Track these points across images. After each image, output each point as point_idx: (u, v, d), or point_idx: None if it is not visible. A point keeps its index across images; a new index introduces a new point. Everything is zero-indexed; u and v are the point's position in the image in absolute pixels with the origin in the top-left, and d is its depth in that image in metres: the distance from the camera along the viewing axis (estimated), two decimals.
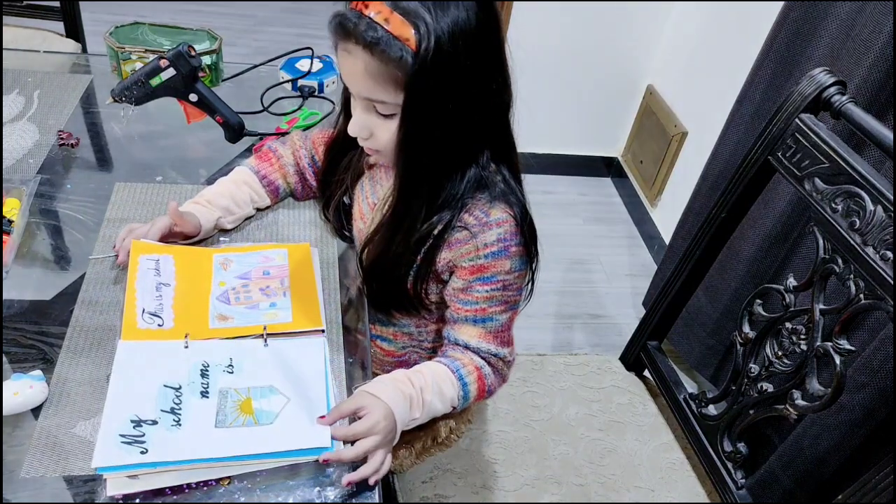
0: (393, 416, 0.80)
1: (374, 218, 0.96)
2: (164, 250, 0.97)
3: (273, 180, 1.09)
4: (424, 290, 0.94)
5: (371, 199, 1.00)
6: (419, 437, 1.07)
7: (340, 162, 1.02)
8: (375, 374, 0.90)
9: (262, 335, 0.89)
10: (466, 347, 0.93)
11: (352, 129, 0.86)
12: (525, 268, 0.92)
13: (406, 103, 0.78)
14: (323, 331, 0.93)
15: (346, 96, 0.90)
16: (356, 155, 1.01)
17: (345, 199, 1.05)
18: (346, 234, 1.08)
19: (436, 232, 0.88)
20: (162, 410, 0.79)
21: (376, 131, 0.84)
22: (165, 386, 0.82)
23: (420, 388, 0.86)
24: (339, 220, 1.07)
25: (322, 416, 0.81)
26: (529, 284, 0.96)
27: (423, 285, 0.93)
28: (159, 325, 0.88)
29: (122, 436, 0.75)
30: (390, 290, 0.95)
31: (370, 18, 0.74)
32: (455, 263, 0.90)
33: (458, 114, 0.80)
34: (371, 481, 0.77)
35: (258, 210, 1.10)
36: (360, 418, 0.79)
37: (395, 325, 1.03)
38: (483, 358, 0.93)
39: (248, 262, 0.99)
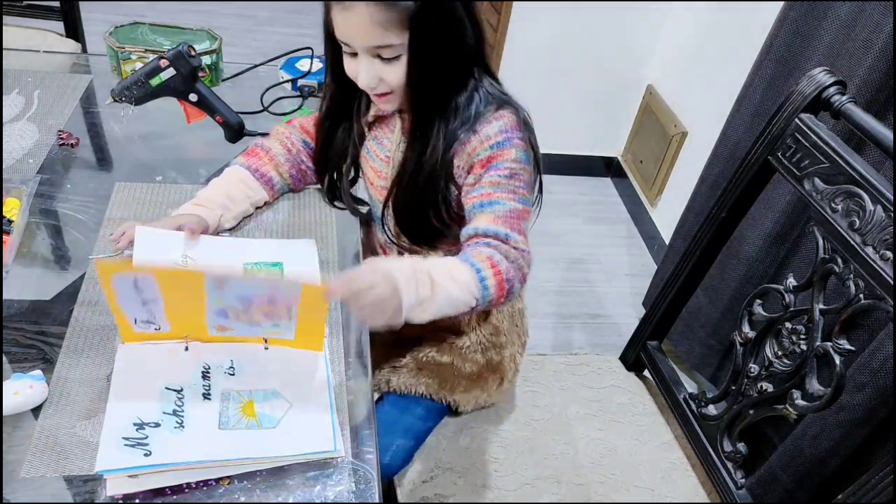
0: (397, 291, 0.77)
1: (391, 172, 1.01)
2: (140, 270, 0.83)
3: (265, 172, 1.09)
4: (451, 206, 0.98)
5: (382, 155, 1.03)
6: (487, 378, 1.12)
7: (337, 132, 1.05)
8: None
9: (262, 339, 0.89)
10: (475, 235, 0.92)
11: (362, 82, 0.90)
12: (530, 163, 0.95)
13: (412, 40, 0.85)
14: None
15: (335, 61, 0.94)
16: (349, 123, 1.04)
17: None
18: (359, 207, 1.12)
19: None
20: (164, 413, 0.79)
21: (385, 76, 0.89)
22: (167, 388, 0.82)
23: (428, 272, 0.82)
24: (350, 195, 1.10)
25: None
26: (537, 186, 0.99)
27: (448, 201, 0.97)
28: (156, 329, 0.86)
29: (126, 438, 0.75)
30: (426, 220, 0.98)
31: None
32: (468, 163, 0.94)
33: (458, 39, 0.88)
34: (331, 296, 0.78)
35: (256, 208, 1.10)
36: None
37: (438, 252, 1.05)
38: (492, 247, 0.90)
39: (253, 287, 0.85)
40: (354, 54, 0.89)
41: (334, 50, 0.92)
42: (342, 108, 1.03)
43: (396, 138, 1.01)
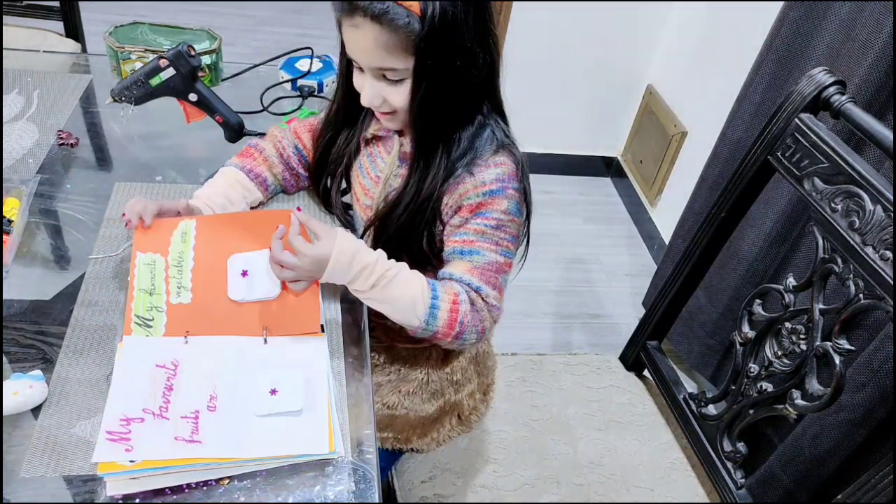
0: (323, 268, 0.86)
1: (379, 191, 0.99)
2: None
3: (259, 173, 1.08)
4: (434, 239, 0.96)
5: (373, 174, 1.01)
6: (443, 419, 1.09)
7: (337, 140, 1.05)
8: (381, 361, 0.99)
9: (262, 335, 0.89)
10: (450, 278, 0.92)
11: (365, 100, 0.90)
12: (520, 215, 0.94)
13: (417, 66, 0.84)
14: (323, 329, 0.93)
15: (347, 70, 0.93)
16: (351, 132, 1.04)
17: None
18: (349, 217, 1.10)
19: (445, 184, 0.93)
20: (160, 407, 0.79)
21: (389, 97, 0.89)
22: (162, 383, 0.82)
23: (384, 266, 0.88)
24: (341, 203, 1.10)
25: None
26: (525, 239, 0.98)
27: (432, 233, 0.96)
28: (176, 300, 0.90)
29: (109, 433, 0.75)
30: (406, 247, 0.97)
31: None
32: (457, 204, 0.93)
33: (464, 68, 0.86)
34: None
35: (252, 208, 1.10)
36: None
37: None
38: (463, 289, 0.91)
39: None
40: (362, 69, 0.89)
41: (347, 60, 0.91)
42: (347, 118, 1.03)
43: (392, 161, 0.99)
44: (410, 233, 0.96)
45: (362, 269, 0.87)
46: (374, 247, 0.95)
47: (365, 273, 0.87)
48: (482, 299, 0.91)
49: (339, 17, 0.85)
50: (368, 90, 0.89)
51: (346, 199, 1.12)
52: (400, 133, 0.99)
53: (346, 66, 0.93)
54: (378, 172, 1.01)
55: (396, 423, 1.08)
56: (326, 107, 1.07)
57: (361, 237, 1.02)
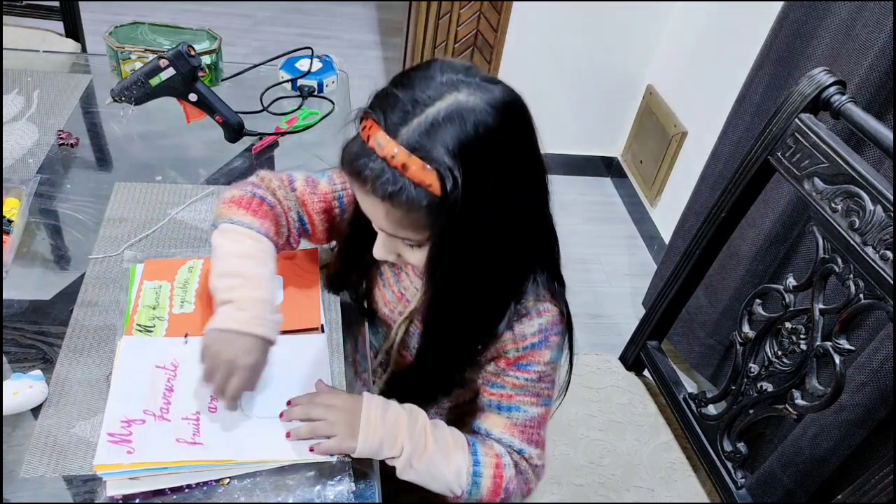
0: (357, 416, 0.78)
1: (403, 310, 0.91)
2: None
3: (273, 237, 0.88)
4: (462, 378, 0.89)
5: (396, 288, 0.92)
6: None
7: (359, 254, 0.88)
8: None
9: None
10: (488, 436, 0.84)
11: (377, 254, 0.79)
12: (561, 358, 0.86)
13: (435, 240, 0.71)
14: (323, 328, 0.93)
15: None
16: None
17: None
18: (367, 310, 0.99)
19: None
20: (160, 408, 0.79)
21: (405, 255, 0.78)
22: (163, 384, 0.82)
23: (423, 444, 0.79)
24: (363, 302, 0.99)
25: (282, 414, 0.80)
26: (567, 378, 0.89)
27: (461, 376, 0.88)
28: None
29: (111, 435, 0.75)
30: (428, 388, 0.91)
31: (385, 162, 0.66)
32: (494, 354, 0.84)
33: (496, 237, 0.72)
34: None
35: None
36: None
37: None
38: (505, 450, 0.83)
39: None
40: None
41: None
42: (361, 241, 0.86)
43: (417, 281, 0.89)
44: (429, 384, 0.89)
45: (398, 428, 0.78)
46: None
47: (402, 435, 0.78)
48: (526, 461, 0.84)
49: (348, 178, 0.71)
50: (380, 248, 0.78)
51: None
52: None
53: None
54: (402, 289, 0.91)
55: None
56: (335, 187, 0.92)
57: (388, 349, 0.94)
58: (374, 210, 0.71)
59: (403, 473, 0.79)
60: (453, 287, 0.76)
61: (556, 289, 0.83)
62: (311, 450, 0.77)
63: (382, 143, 0.66)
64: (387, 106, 0.67)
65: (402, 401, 0.83)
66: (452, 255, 0.72)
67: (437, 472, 0.80)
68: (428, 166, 0.65)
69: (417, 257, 0.76)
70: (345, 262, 0.95)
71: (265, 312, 0.80)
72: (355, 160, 0.68)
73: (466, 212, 0.67)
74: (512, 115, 0.68)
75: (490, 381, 0.85)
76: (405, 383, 0.93)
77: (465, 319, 0.80)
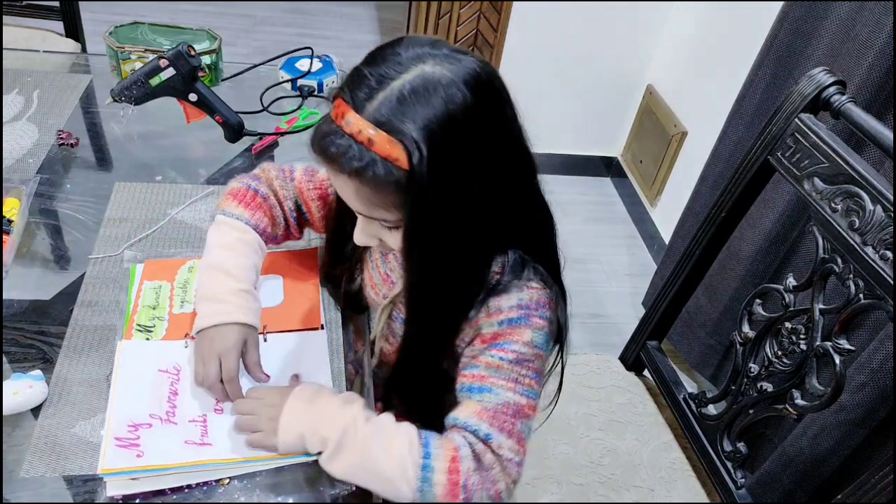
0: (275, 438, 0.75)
1: (388, 293, 0.89)
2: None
3: (265, 229, 0.91)
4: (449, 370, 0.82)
5: (382, 270, 0.91)
6: None
7: (345, 239, 0.87)
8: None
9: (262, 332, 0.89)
10: (454, 426, 0.75)
11: (357, 239, 0.78)
12: (548, 350, 0.78)
13: (408, 220, 0.69)
14: (323, 327, 0.93)
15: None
16: None
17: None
18: (360, 302, 0.97)
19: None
20: (160, 412, 0.79)
21: (384, 238, 0.76)
22: (165, 387, 0.82)
23: (351, 436, 0.73)
24: (353, 293, 0.97)
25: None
26: (558, 383, 0.83)
27: (447, 365, 0.83)
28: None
29: (118, 439, 0.75)
30: (417, 385, 0.86)
31: (352, 139, 0.65)
32: (471, 335, 0.78)
33: (469, 215, 0.70)
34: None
35: None
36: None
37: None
38: (467, 440, 0.73)
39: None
40: None
41: None
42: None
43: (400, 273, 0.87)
44: (419, 381, 0.84)
45: (321, 420, 0.74)
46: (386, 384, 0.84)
47: (324, 426, 0.73)
48: (492, 452, 0.72)
49: (317, 158, 0.70)
50: (360, 233, 0.76)
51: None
52: None
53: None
54: (388, 271, 0.90)
55: None
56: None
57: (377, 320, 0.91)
58: (346, 189, 0.70)
59: (329, 465, 0.73)
60: (430, 267, 0.73)
61: (546, 272, 0.78)
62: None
63: (350, 119, 0.65)
64: (354, 84, 0.66)
65: (403, 406, 0.82)
66: (426, 233, 0.70)
67: (372, 465, 0.72)
68: (394, 140, 0.64)
69: (396, 240, 0.74)
70: (333, 250, 0.94)
71: (242, 300, 0.83)
72: (323, 139, 0.67)
73: (437, 187, 0.65)
74: (481, 87, 0.66)
75: (466, 366, 0.78)
76: (400, 382, 0.89)
77: (444, 300, 0.76)
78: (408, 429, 0.74)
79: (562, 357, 0.82)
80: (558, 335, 0.80)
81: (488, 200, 0.70)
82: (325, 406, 0.76)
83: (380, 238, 0.76)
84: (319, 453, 0.75)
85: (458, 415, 0.75)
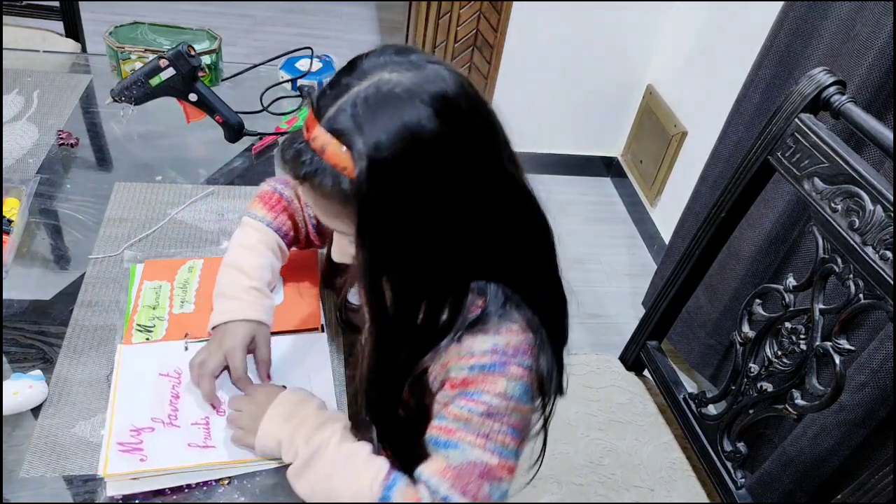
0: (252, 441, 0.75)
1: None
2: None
3: (287, 231, 0.92)
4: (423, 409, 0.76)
5: None
6: None
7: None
8: None
9: None
10: (418, 480, 0.68)
11: (335, 256, 0.76)
12: (529, 402, 0.70)
13: (356, 233, 0.64)
14: (323, 328, 0.93)
15: None
16: None
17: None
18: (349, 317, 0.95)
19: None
20: (162, 415, 0.79)
21: (353, 253, 0.69)
22: (166, 390, 0.82)
23: (321, 455, 0.71)
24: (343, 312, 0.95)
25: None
26: (541, 449, 0.76)
27: (421, 403, 0.75)
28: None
29: (121, 444, 0.75)
30: (385, 419, 0.78)
31: (308, 145, 0.64)
32: (442, 376, 0.71)
33: (425, 234, 0.64)
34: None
35: None
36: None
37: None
38: (432, 498, 0.66)
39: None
40: None
41: None
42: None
43: None
44: (389, 403, 0.76)
45: (300, 430, 0.72)
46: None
47: (300, 438, 0.72)
48: None
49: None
50: (335, 248, 0.75)
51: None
52: None
53: None
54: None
55: None
56: None
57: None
58: (306, 198, 0.70)
59: (293, 481, 0.72)
60: (379, 289, 0.67)
61: (520, 307, 0.70)
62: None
63: (309, 126, 0.64)
64: (323, 91, 0.65)
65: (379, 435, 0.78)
66: (376, 249, 0.65)
67: (332, 490, 0.69)
68: (344, 148, 0.61)
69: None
70: (330, 262, 0.89)
71: (253, 297, 0.85)
72: (287, 148, 0.66)
73: (384, 202, 0.61)
74: (443, 96, 0.61)
75: (437, 413, 0.71)
76: (369, 411, 0.80)
77: (400, 326, 0.70)
78: (380, 464, 0.70)
79: (544, 412, 0.74)
80: (542, 388, 0.71)
81: (452, 220, 0.64)
82: (306, 418, 0.75)
83: (352, 255, 0.70)
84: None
85: (423, 469, 0.68)
